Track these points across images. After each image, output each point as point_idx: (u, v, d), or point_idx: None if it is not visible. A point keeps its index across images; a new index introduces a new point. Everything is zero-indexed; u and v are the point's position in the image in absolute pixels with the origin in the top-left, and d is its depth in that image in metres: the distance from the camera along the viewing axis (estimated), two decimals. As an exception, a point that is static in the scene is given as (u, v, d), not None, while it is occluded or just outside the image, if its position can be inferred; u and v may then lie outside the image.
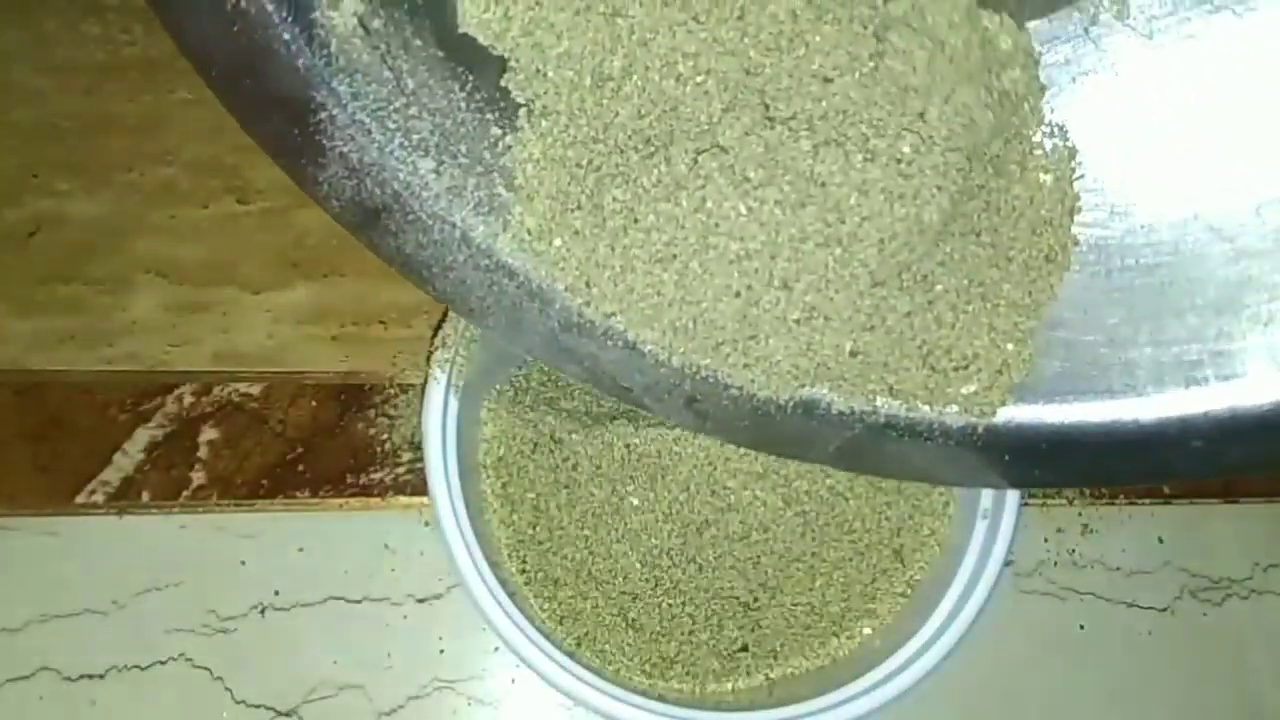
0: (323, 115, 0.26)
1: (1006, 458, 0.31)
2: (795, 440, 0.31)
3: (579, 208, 0.28)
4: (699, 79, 0.26)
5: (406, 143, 0.27)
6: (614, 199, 0.27)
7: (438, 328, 0.40)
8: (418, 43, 0.27)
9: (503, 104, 0.28)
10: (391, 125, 0.27)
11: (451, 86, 0.27)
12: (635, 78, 0.26)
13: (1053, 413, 0.30)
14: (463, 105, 0.28)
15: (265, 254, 0.50)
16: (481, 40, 0.26)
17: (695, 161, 0.26)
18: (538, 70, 0.27)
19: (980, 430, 0.30)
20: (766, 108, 0.26)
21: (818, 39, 0.25)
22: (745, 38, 0.25)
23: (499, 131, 0.28)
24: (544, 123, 0.27)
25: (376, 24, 0.26)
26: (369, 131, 0.27)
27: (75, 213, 0.50)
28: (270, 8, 0.25)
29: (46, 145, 0.51)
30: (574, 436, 0.43)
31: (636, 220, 0.27)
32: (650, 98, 0.26)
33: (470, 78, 0.27)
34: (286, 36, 0.25)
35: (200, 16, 0.25)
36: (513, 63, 0.27)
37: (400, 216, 0.28)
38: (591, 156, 0.27)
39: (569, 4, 0.26)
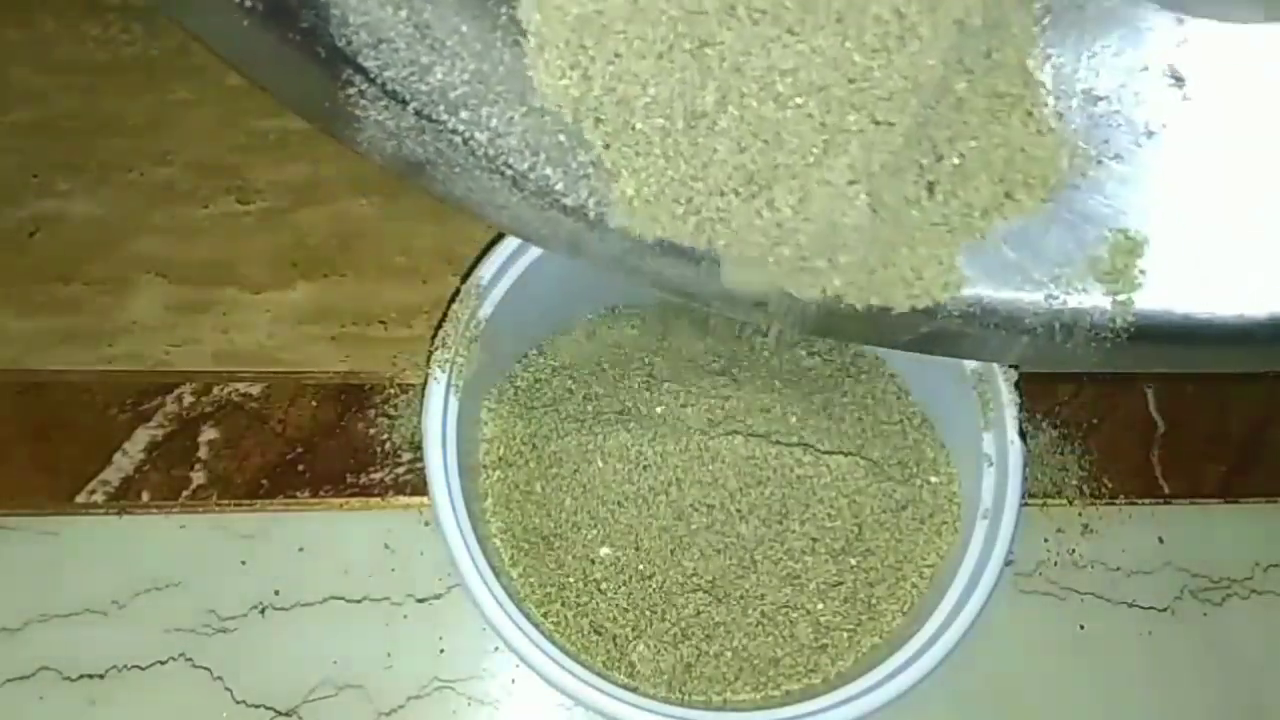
0: (352, 91, 0.26)
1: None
2: (868, 334, 0.32)
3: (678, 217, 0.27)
4: (799, 100, 0.24)
5: (444, 102, 0.26)
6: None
7: (438, 328, 0.40)
8: None
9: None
10: (425, 88, 0.26)
11: (485, 25, 0.26)
12: (731, 108, 0.25)
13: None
14: (499, 43, 0.26)
15: (265, 254, 0.50)
16: (565, 114, 0.25)
17: (799, 205, 0.25)
18: (625, 123, 0.25)
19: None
20: (875, 121, 0.24)
21: (928, 32, 0.23)
22: (847, 42, 0.23)
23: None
24: (639, 165, 0.26)
25: None
26: (403, 100, 0.26)
27: (75, 213, 0.50)
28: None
29: (46, 145, 0.51)
30: (574, 436, 0.43)
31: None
32: (749, 128, 0.25)
33: (503, 10, 0.26)
34: (304, 24, 0.25)
35: (215, 19, 0.24)
36: (598, 123, 0.26)
37: (445, 169, 0.28)
38: (692, 196, 0.26)
39: (651, 47, 0.24)
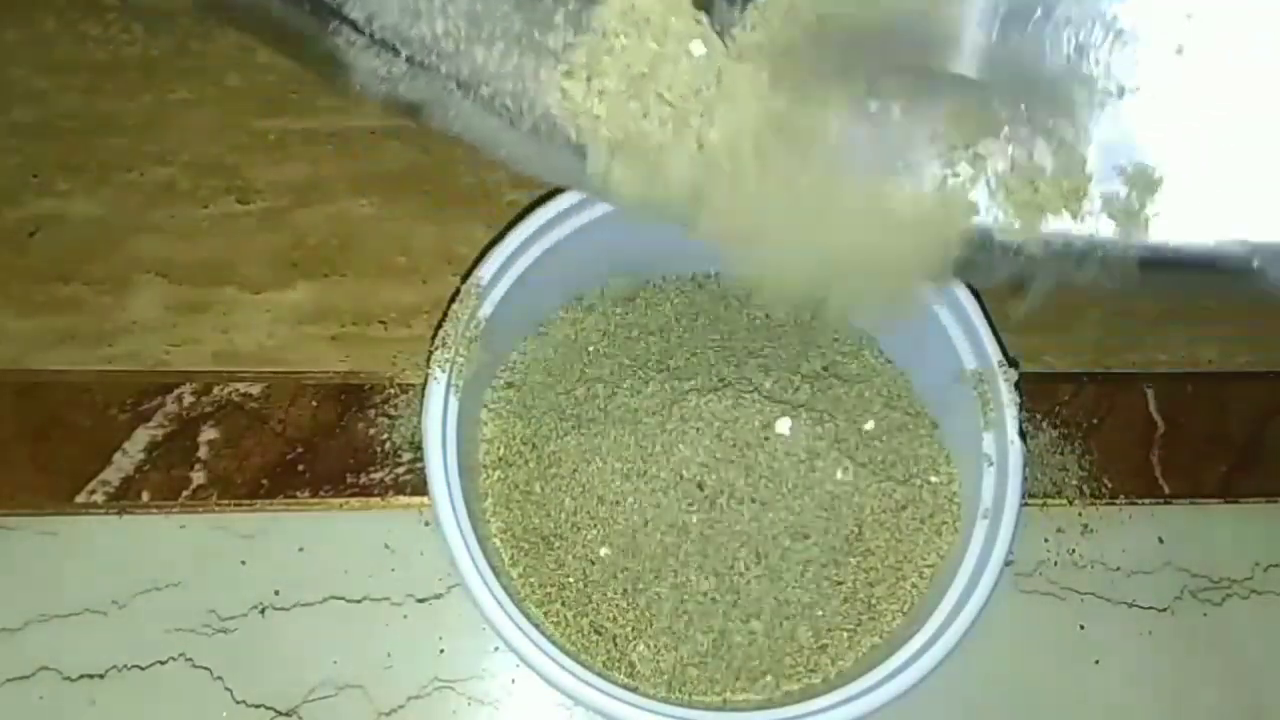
0: (340, 40, 0.26)
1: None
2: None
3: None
4: None
5: (436, 47, 0.26)
6: None
7: (438, 328, 0.40)
8: None
9: None
10: (417, 34, 0.26)
11: None
12: None
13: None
14: None
15: (265, 254, 0.50)
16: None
17: None
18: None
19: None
20: None
21: None
22: None
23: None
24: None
25: None
26: (393, 48, 0.26)
27: (75, 213, 0.50)
28: None
29: (46, 145, 0.51)
30: (574, 436, 0.43)
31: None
32: None
33: None
34: None
35: None
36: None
37: (441, 109, 0.28)
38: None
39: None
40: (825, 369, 0.45)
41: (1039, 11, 0.27)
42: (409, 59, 0.26)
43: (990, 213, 0.29)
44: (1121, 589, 0.47)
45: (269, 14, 0.26)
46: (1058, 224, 0.29)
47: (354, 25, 0.26)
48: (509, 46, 0.27)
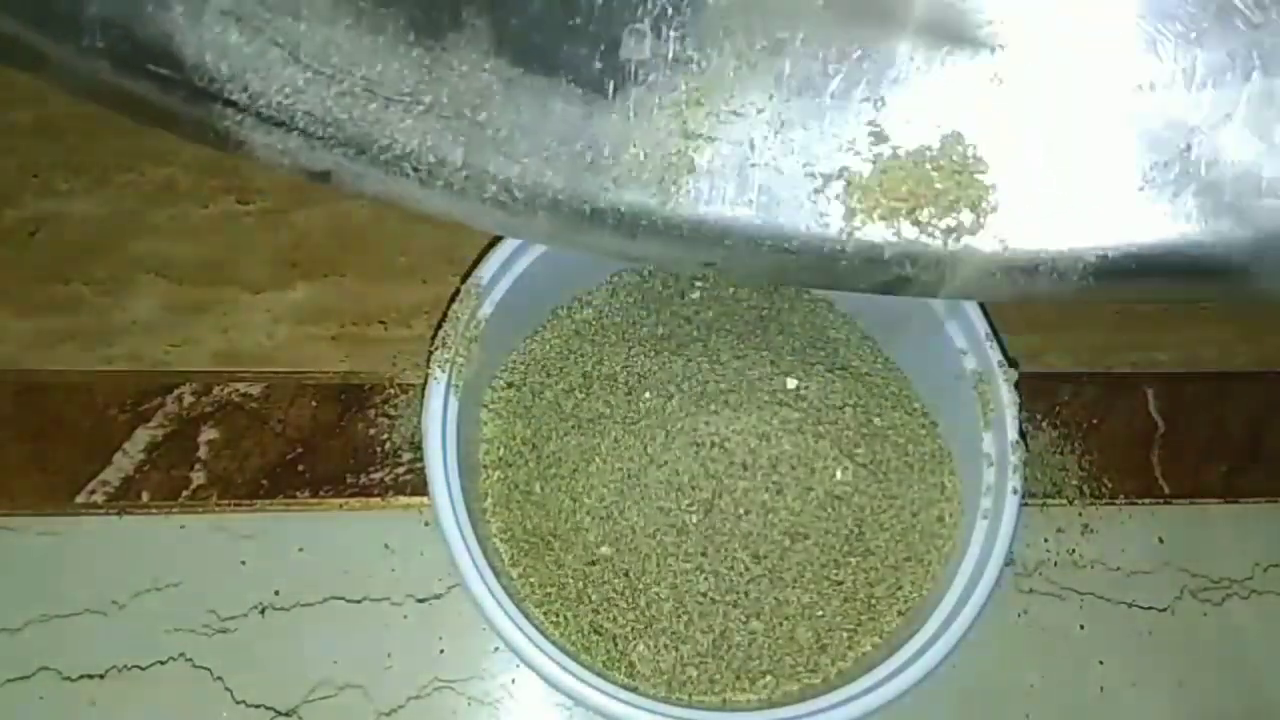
0: (229, 122, 0.25)
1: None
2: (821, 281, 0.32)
3: None
4: None
5: (329, 119, 0.26)
6: None
7: (438, 328, 0.40)
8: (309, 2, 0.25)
9: (423, 22, 0.26)
10: (306, 108, 0.25)
11: (363, 30, 0.25)
12: None
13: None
14: (385, 46, 0.26)
15: (265, 254, 0.50)
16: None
17: None
18: None
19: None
20: None
21: None
22: None
23: (428, 50, 0.26)
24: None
25: (251, 8, 0.24)
26: (283, 124, 0.26)
27: (75, 213, 0.50)
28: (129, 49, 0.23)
29: (46, 145, 0.51)
30: (574, 436, 0.43)
31: None
32: None
33: (379, 11, 0.25)
34: (160, 72, 0.24)
35: (71, 70, 0.23)
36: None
37: (349, 176, 0.28)
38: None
39: None
40: (825, 369, 0.45)
41: None
42: (302, 132, 0.26)
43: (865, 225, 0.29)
44: (1121, 589, 0.47)
45: (152, 102, 0.25)
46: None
47: (237, 106, 0.25)
48: (408, 110, 0.26)
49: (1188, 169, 0.27)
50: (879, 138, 0.27)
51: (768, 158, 0.28)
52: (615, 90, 0.26)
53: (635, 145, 0.27)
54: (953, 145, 0.27)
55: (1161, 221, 0.27)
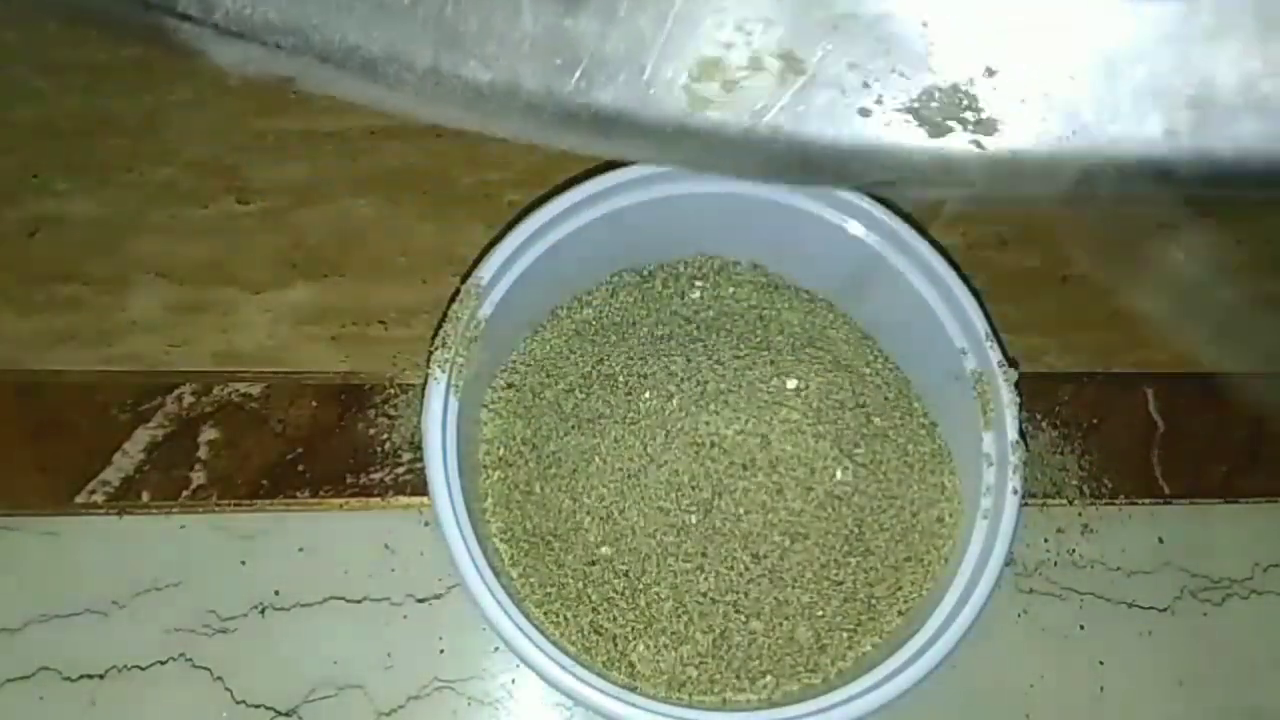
0: (184, 35, 0.24)
1: None
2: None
3: None
4: None
5: (289, 28, 0.25)
6: None
7: (438, 328, 0.40)
8: None
9: None
10: (260, 20, 0.25)
11: None
12: None
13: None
14: None
15: (265, 254, 0.50)
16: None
17: None
18: None
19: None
20: None
21: None
22: None
23: None
24: None
25: None
26: (240, 34, 0.25)
27: (75, 213, 0.50)
28: None
29: (46, 145, 0.51)
30: (574, 436, 0.43)
31: None
32: None
33: None
34: None
35: None
36: None
37: (313, 80, 0.27)
38: None
39: None
40: (825, 369, 0.45)
41: None
42: (263, 42, 0.25)
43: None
44: (1121, 589, 0.47)
45: (108, 15, 0.25)
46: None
47: (194, 19, 0.25)
48: (372, 13, 0.26)
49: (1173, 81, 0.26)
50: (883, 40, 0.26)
51: (753, 50, 0.27)
52: None
53: (613, 45, 0.26)
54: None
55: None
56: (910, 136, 0.27)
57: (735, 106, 0.27)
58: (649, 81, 0.26)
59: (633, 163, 0.33)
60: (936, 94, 0.26)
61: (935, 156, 0.27)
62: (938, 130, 0.27)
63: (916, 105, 0.27)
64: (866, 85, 0.26)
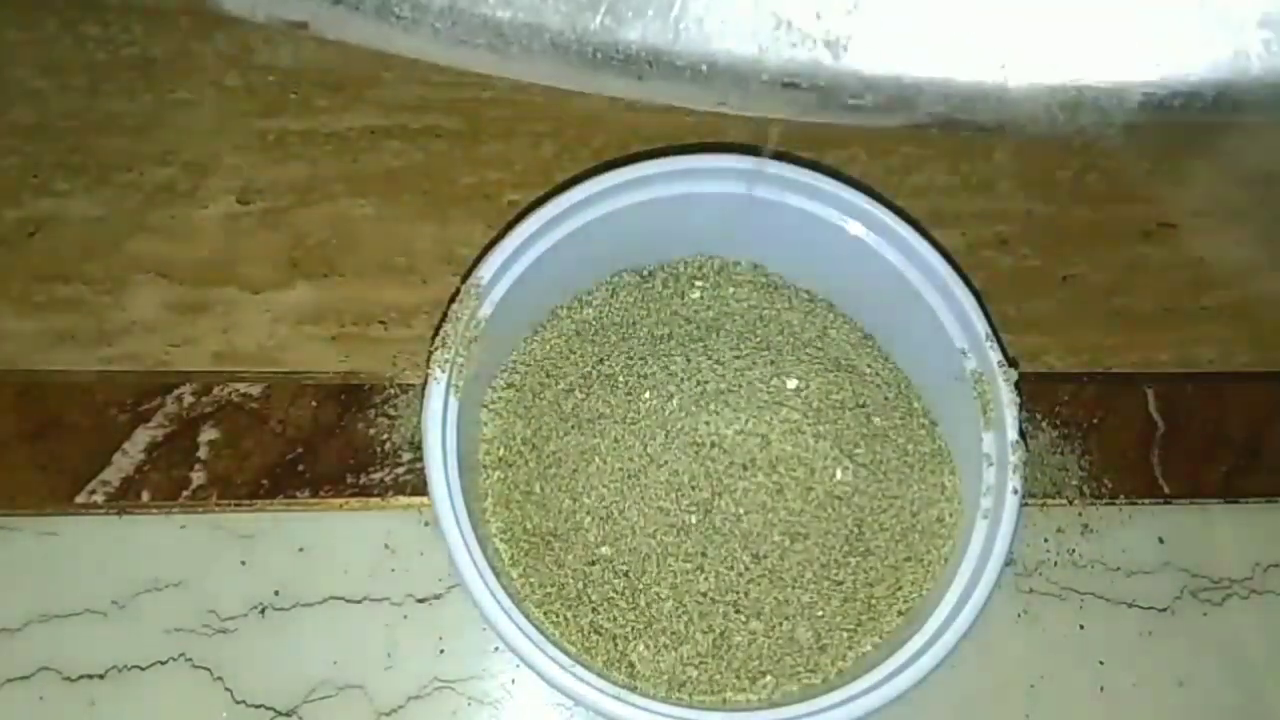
0: None
1: None
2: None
3: None
4: None
5: None
6: None
7: (438, 328, 0.40)
8: None
9: None
10: None
11: None
12: None
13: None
14: None
15: (265, 254, 0.50)
16: None
17: None
18: None
19: None
20: None
21: None
22: None
23: None
24: None
25: None
26: None
27: (75, 213, 0.50)
28: None
29: (46, 145, 0.51)
30: (574, 436, 0.43)
31: None
32: None
33: None
34: None
35: None
36: None
37: (327, 25, 0.26)
38: None
39: None
40: (825, 369, 0.45)
41: None
42: None
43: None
44: (1121, 589, 0.47)
45: None
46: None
47: None
48: None
49: None
50: None
51: None
52: None
53: None
54: None
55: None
56: None
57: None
58: (679, 17, 0.26)
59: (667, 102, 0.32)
60: None
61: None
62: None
63: None
64: None
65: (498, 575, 0.38)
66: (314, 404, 0.47)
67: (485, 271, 0.41)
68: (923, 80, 0.26)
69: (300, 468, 0.46)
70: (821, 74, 0.26)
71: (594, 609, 0.41)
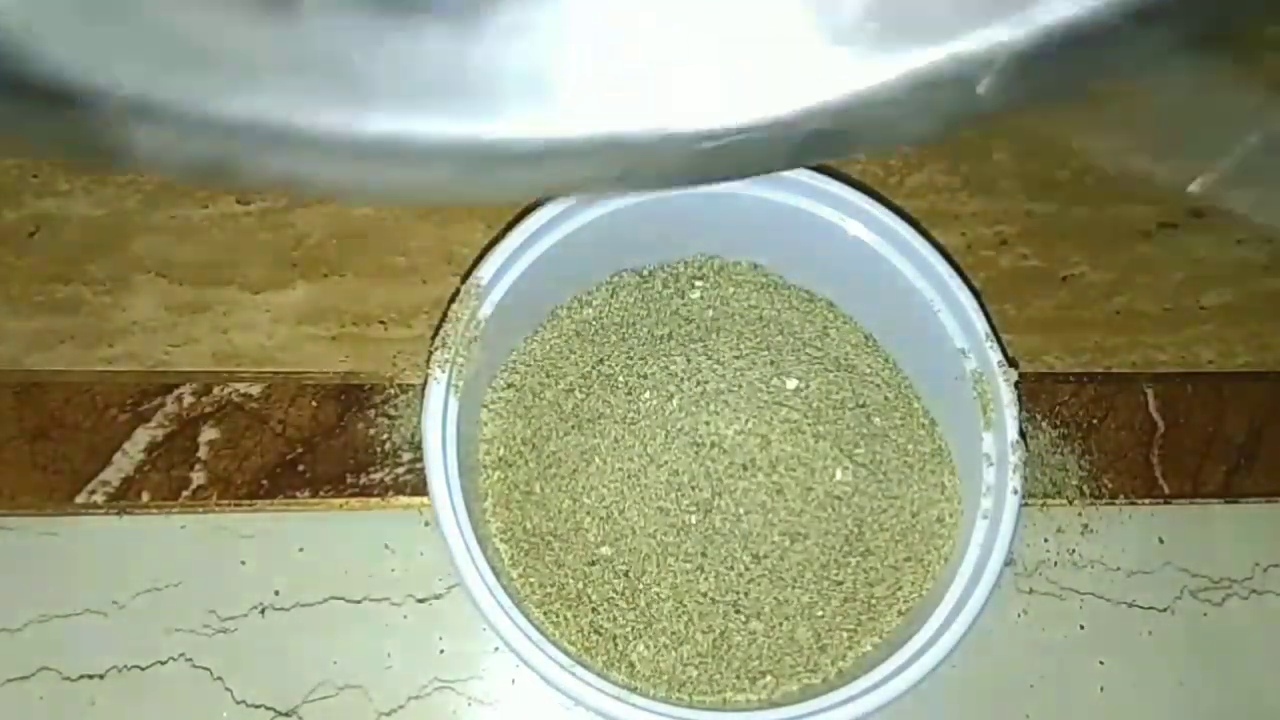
0: (94, 121, 0.21)
1: None
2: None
3: None
4: None
5: (199, 114, 0.22)
6: None
7: (438, 328, 0.40)
8: None
9: None
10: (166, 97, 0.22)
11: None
12: None
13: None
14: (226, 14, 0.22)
15: (265, 254, 0.50)
16: None
17: None
18: None
19: None
20: None
21: None
22: None
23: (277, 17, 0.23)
24: None
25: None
26: (138, 118, 0.22)
27: (75, 213, 0.50)
28: None
29: (46, 145, 0.51)
30: (574, 436, 0.43)
31: None
32: None
33: None
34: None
35: None
36: None
37: (231, 175, 0.24)
38: None
39: None
40: (825, 369, 0.45)
41: None
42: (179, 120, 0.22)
43: None
44: (1121, 589, 0.47)
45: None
46: None
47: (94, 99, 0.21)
48: (274, 79, 0.22)
49: None
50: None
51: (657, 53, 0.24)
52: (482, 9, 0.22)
53: (517, 67, 0.23)
54: None
55: None
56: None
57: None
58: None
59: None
60: None
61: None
62: None
63: None
64: None
65: (498, 575, 0.38)
66: (314, 404, 0.47)
67: (485, 271, 0.41)
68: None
69: (300, 468, 0.46)
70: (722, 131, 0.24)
71: (594, 609, 0.41)
